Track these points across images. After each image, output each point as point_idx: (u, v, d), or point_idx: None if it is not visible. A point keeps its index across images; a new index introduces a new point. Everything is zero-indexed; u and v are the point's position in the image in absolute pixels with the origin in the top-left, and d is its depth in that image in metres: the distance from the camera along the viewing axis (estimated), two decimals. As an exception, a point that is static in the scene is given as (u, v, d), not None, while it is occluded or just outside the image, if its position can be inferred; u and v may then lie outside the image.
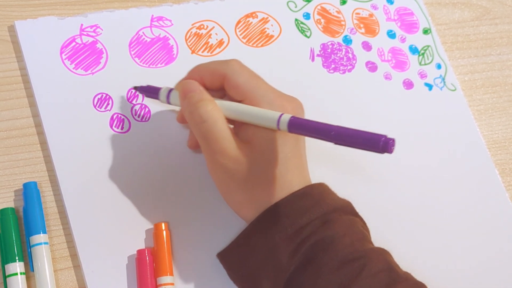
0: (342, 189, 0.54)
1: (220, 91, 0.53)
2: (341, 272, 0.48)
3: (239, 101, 0.52)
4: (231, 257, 0.52)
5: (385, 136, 0.43)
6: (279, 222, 0.50)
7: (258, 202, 0.51)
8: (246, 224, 0.52)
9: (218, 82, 0.53)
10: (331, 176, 0.58)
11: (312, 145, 0.53)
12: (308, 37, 0.66)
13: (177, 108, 0.57)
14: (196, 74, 0.54)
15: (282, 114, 0.49)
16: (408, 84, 0.67)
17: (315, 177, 0.54)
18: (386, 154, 0.41)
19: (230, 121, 0.52)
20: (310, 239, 0.49)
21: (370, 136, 0.43)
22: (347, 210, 0.52)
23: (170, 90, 0.54)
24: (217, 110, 0.51)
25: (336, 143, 0.45)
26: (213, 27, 0.64)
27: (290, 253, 0.49)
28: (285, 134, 0.50)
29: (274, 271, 0.50)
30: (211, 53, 0.63)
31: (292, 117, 0.48)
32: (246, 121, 0.51)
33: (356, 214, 0.53)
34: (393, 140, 0.43)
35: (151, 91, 0.56)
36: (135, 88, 0.57)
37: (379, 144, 0.43)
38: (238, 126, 0.53)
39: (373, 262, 0.49)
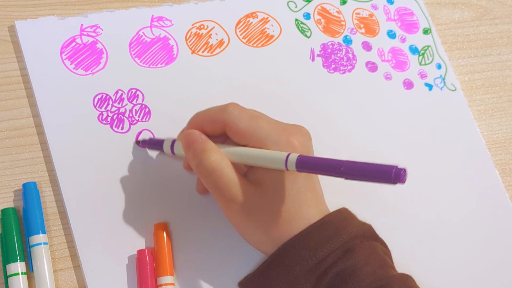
0: (341, 194, 0.54)
1: (223, 136, 0.52)
2: None
3: (244, 145, 0.51)
4: (253, 287, 0.52)
5: (395, 167, 0.42)
6: (299, 254, 0.49)
7: (276, 239, 0.51)
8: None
9: (219, 129, 0.52)
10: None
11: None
12: (308, 37, 0.66)
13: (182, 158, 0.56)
14: (196, 123, 0.53)
15: (289, 155, 0.48)
16: (408, 84, 0.67)
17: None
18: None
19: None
20: (331, 270, 0.49)
21: (380, 169, 0.42)
22: (368, 235, 0.52)
23: (173, 142, 0.54)
24: (222, 159, 0.50)
25: (346, 178, 0.44)
26: (213, 27, 0.64)
27: (312, 286, 0.49)
28: None
29: None
30: (211, 53, 0.63)
31: (299, 156, 0.47)
32: (253, 165, 0.51)
33: (376, 238, 0.53)
34: (404, 170, 0.42)
35: (154, 144, 0.56)
36: (137, 142, 0.57)
37: (390, 176, 0.42)
38: (247, 168, 0.52)
39: None
